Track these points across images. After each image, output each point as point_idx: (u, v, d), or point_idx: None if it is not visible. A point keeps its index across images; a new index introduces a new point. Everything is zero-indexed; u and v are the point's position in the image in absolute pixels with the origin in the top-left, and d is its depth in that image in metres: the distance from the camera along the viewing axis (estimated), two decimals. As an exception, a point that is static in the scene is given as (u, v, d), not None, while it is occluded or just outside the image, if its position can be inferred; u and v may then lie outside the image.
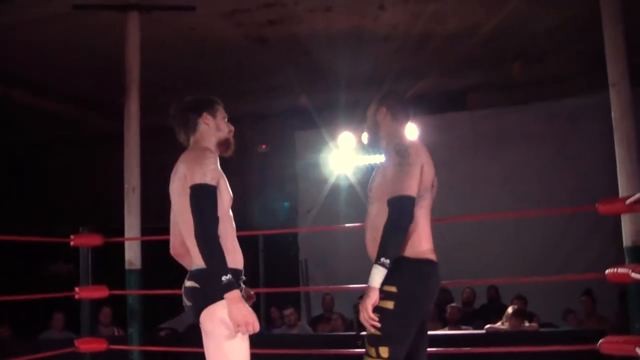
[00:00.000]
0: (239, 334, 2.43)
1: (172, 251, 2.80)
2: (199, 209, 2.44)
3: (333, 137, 8.35)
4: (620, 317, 5.86)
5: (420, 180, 2.63)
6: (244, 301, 2.43)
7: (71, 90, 8.64)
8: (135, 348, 5.12)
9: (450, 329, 6.20)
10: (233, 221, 2.64)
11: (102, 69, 7.36)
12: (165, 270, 4.14)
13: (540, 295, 6.82)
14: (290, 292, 8.53)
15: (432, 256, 2.68)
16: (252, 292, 2.70)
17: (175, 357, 5.07)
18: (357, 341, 4.46)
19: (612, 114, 4.62)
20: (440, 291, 2.85)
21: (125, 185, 5.43)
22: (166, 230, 2.79)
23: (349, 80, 7.87)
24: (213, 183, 2.49)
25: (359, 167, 8.35)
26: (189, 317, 2.61)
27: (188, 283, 2.57)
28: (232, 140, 2.75)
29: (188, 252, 2.64)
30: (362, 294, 2.61)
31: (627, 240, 4.40)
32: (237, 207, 2.72)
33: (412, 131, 5.98)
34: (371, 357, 2.57)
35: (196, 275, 2.53)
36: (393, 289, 2.55)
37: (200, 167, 2.49)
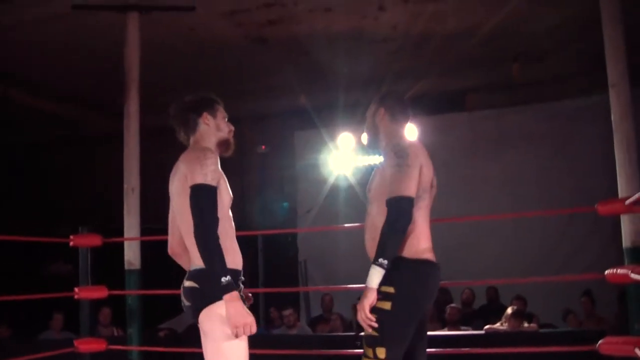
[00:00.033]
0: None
1: (169, 250, 2.80)
2: (199, 209, 2.44)
3: (332, 137, 8.36)
4: (620, 318, 5.86)
5: (418, 180, 2.63)
6: (242, 303, 2.43)
7: (71, 90, 8.64)
8: (134, 348, 5.12)
9: (449, 330, 6.20)
10: (232, 222, 2.64)
11: (102, 69, 7.37)
12: (165, 271, 4.14)
13: (540, 295, 6.82)
14: (289, 293, 8.53)
15: (430, 256, 2.68)
16: (249, 294, 2.70)
17: (174, 357, 5.08)
18: (356, 341, 4.46)
19: (612, 115, 4.61)
20: (439, 292, 2.85)
21: (125, 186, 5.43)
22: (165, 231, 2.79)
23: (349, 81, 7.87)
24: (213, 184, 2.49)
25: (358, 168, 8.36)
26: (188, 317, 2.61)
27: (187, 283, 2.57)
28: (232, 140, 2.75)
29: (186, 252, 2.64)
30: (361, 295, 2.61)
31: (626, 241, 4.40)
32: (237, 208, 2.73)
33: (411, 132, 5.98)
34: (368, 358, 2.57)
35: (195, 275, 2.53)
36: (391, 289, 2.55)
37: (201, 167, 2.49)
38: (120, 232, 5.41)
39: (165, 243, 2.81)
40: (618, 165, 4.54)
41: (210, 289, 2.43)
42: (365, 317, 2.55)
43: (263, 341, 5.01)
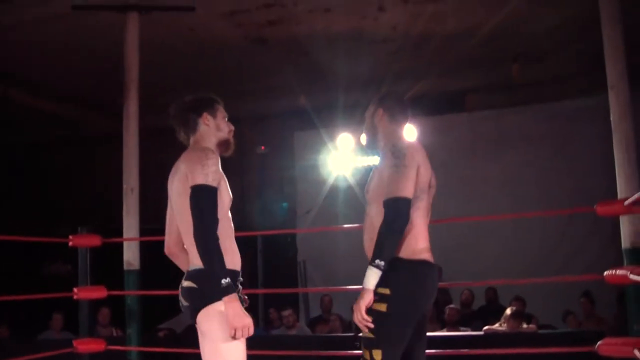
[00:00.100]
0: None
1: (166, 250, 2.79)
2: (199, 209, 2.43)
3: (332, 138, 8.36)
4: (619, 319, 5.85)
5: (416, 181, 2.62)
6: (241, 304, 2.43)
7: (71, 90, 8.65)
8: (133, 348, 5.12)
9: (448, 330, 6.20)
10: (232, 222, 2.64)
11: (102, 69, 7.37)
12: (164, 271, 4.13)
13: (539, 296, 6.82)
14: (288, 293, 8.52)
15: (428, 257, 2.67)
16: (246, 297, 2.68)
17: (173, 357, 5.07)
18: (355, 342, 4.46)
19: (611, 116, 4.62)
20: (438, 292, 2.84)
21: (124, 186, 5.43)
22: (165, 231, 2.79)
23: (348, 81, 7.88)
24: (214, 184, 2.49)
25: (357, 168, 8.37)
26: (186, 317, 2.61)
27: (185, 283, 2.56)
28: (232, 140, 2.75)
29: (182, 252, 2.64)
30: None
31: (625, 241, 4.40)
32: (236, 208, 2.72)
33: (410, 132, 5.99)
34: (365, 360, 2.57)
35: (194, 275, 2.53)
36: (386, 291, 2.54)
37: (202, 167, 2.48)
38: (119, 232, 5.40)
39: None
40: (617, 165, 4.54)
41: (209, 290, 2.43)
42: (362, 318, 2.55)
43: (262, 342, 5.02)
